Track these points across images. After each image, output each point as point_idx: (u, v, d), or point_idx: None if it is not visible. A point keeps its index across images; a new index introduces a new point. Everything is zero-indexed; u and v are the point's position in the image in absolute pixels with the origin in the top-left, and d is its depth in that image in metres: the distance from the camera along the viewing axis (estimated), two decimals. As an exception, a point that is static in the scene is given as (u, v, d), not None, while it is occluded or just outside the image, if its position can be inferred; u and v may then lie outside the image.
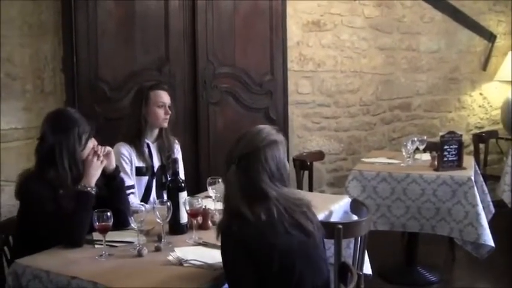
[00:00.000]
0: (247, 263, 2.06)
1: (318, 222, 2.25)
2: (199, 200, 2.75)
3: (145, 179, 3.41)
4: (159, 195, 3.38)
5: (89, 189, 2.66)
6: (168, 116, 3.45)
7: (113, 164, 2.88)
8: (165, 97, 3.45)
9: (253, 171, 2.17)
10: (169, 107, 3.45)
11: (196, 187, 3.88)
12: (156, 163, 3.46)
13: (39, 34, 3.84)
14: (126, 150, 3.32)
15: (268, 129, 2.26)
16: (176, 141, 3.62)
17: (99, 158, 2.75)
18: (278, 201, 2.15)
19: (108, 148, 2.85)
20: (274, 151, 2.20)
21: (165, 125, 3.47)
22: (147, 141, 3.44)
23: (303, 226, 2.17)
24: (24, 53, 3.80)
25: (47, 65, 3.89)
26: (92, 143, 2.79)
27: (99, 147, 2.80)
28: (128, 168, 3.30)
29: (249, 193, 2.14)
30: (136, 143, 3.38)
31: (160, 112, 3.42)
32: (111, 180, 2.87)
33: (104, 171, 2.83)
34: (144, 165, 3.40)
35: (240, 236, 2.06)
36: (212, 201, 3.01)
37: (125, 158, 3.30)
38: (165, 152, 3.48)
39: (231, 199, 2.15)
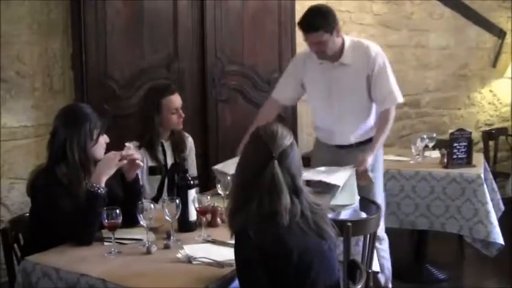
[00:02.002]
0: (261, 266, 2.04)
1: (333, 224, 2.24)
2: (208, 197, 2.75)
3: (158, 177, 3.41)
4: (172, 193, 3.38)
5: (98, 189, 2.62)
6: (181, 119, 3.46)
7: (133, 174, 2.85)
8: (176, 101, 3.44)
9: (294, 167, 2.15)
10: (181, 108, 3.45)
11: (205, 184, 3.88)
12: (169, 161, 3.47)
13: (49, 32, 3.85)
14: (139, 151, 3.31)
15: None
16: (190, 139, 3.61)
17: (117, 156, 2.70)
18: (303, 198, 2.15)
19: (138, 156, 2.82)
20: (296, 147, 2.22)
21: (181, 127, 3.49)
22: (160, 140, 3.45)
23: (322, 229, 2.15)
24: (34, 51, 3.81)
25: (56, 63, 3.90)
26: (104, 139, 2.79)
27: (132, 149, 2.80)
28: (139, 169, 3.27)
29: (291, 190, 2.13)
30: (150, 144, 3.38)
31: (174, 117, 3.43)
32: (130, 186, 2.86)
33: (123, 177, 2.84)
34: (157, 164, 3.40)
35: (256, 240, 2.03)
36: (221, 198, 3.02)
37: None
38: (178, 149, 3.48)
39: (277, 197, 2.08)
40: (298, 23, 3.45)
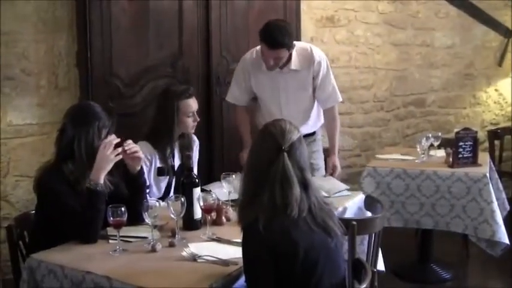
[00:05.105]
0: (269, 261, 2.05)
1: (340, 223, 2.25)
2: (214, 195, 2.75)
3: (165, 178, 3.41)
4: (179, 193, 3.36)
5: (96, 187, 2.62)
6: (196, 123, 3.45)
7: (138, 167, 2.85)
8: (193, 105, 3.42)
9: (302, 160, 2.19)
10: (197, 112, 3.45)
11: (209, 182, 3.87)
12: (177, 162, 3.46)
13: (54, 30, 3.86)
14: (148, 151, 3.29)
15: None
16: (195, 138, 3.61)
17: (114, 152, 2.68)
18: (312, 194, 2.16)
19: (136, 148, 2.81)
20: (304, 142, 2.27)
21: (193, 131, 3.49)
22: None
23: (328, 226, 2.17)
24: (39, 49, 3.82)
25: (61, 61, 3.91)
26: (110, 138, 2.77)
27: (129, 141, 2.78)
28: (146, 169, 3.23)
29: (300, 183, 2.15)
30: (164, 145, 3.37)
31: (190, 121, 3.41)
32: (133, 180, 2.85)
33: (127, 171, 2.83)
34: (165, 165, 3.39)
35: (265, 234, 2.04)
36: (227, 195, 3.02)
37: (146, 161, 3.25)
38: (185, 150, 3.47)
39: (288, 188, 2.12)
40: (263, 38, 3.59)
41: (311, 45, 3.92)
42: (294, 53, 3.71)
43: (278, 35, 3.53)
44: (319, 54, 3.82)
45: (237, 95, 3.94)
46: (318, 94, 3.86)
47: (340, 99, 3.96)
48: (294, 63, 3.74)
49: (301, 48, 3.79)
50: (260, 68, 3.76)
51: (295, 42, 3.72)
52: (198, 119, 3.46)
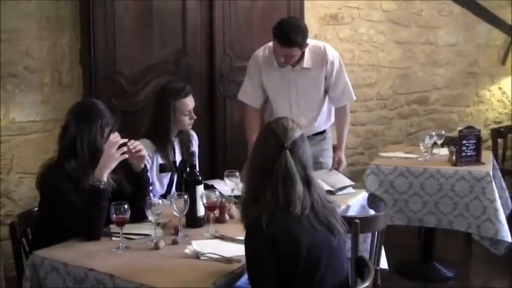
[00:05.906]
0: (271, 259, 2.04)
1: (343, 221, 2.25)
2: (217, 192, 2.75)
3: (168, 175, 3.41)
4: (181, 191, 3.36)
5: (100, 185, 2.63)
6: (192, 121, 3.45)
7: (142, 165, 2.86)
8: (190, 104, 3.43)
9: (305, 158, 2.19)
10: (194, 110, 3.45)
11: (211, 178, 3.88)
12: (178, 158, 3.47)
13: (57, 28, 3.86)
14: (150, 149, 3.29)
15: None
16: (194, 133, 3.61)
17: (119, 151, 2.69)
18: (315, 192, 2.16)
19: (140, 147, 2.81)
20: (306, 140, 2.26)
21: (190, 128, 3.49)
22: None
23: (331, 224, 2.17)
24: (43, 47, 3.82)
25: (64, 58, 3.91)
26: (114, 137, 2.78)
27: (132, 141, 2.78)
28: (148, 167, 3.24)
29: (303, 180, 2.15)
30: (163, 143, 3.37)
31: (186, 119, 3.42)
32: (138, 178, 2.85)
33: (131, 169, 2.83)
34: (167, 162, 3.39)
35: (268, 231, 2.04)
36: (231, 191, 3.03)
37: (148, 158, 3.26)
38: (185, 146, 3.48)
39: (291, 186, 2.12)
40: (276, 34, 3.56)
41: (324, 43, 3.88)
42: (307, 51, 3.68)
43: (291, 33, 3.49)
44: (332, 53, 3.79)
45: (249, 93, 3.88)
46: (332, 93, 3.84)
47: (354, 98, 3.93)
48: (306, 62, 3.71)
49: (314, 47, 3.76)
50: (272, 64, 3.73)
51: (308, 40, 3.69)
52: (195, 117, 3.46)
